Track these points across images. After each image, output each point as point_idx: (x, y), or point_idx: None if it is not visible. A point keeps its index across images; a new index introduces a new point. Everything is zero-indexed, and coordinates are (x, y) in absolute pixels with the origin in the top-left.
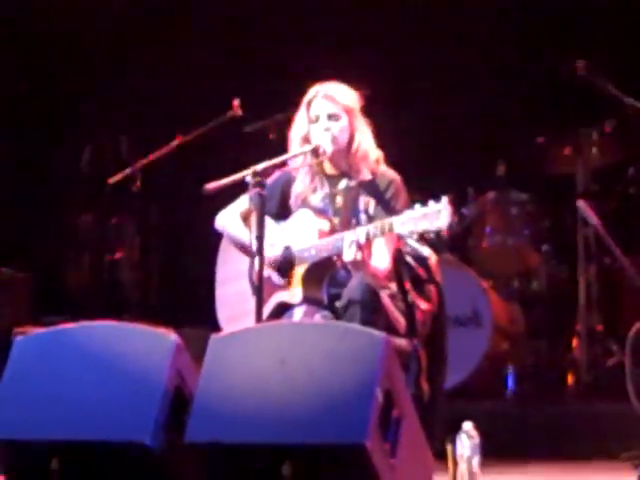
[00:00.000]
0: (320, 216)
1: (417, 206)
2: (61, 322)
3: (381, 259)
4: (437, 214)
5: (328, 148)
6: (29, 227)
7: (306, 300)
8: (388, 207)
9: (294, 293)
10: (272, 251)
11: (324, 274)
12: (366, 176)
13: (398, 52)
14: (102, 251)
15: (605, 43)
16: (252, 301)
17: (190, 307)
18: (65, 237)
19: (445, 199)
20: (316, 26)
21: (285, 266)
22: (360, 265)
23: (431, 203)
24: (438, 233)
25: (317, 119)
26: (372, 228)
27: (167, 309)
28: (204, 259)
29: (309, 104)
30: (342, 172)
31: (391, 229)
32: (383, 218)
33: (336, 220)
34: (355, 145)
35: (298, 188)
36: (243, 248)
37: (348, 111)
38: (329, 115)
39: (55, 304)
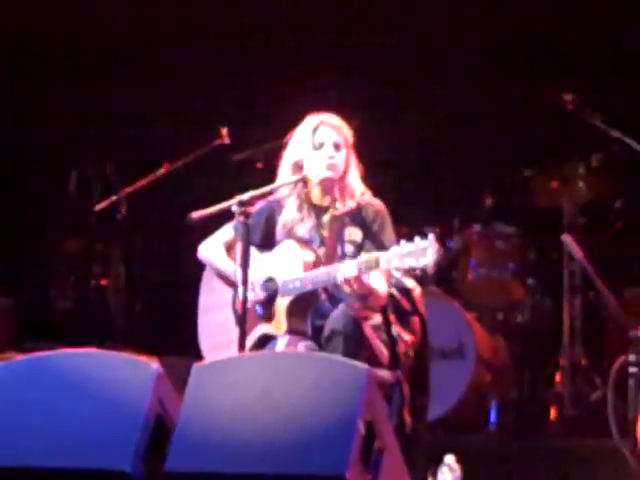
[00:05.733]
0: (305, 247)
1: (403, 242)
2: (43, 348)
3: (379, 284)
4: (423, 252)
5: (323, 173)
6: (14, 252)
7: (290, 332)
8: (375, 240)
9: (278, 325)
10: (255, 282)
11: (308, 306)
12: (351, 205)
13: (388, 82)
14: (87, 277)
15: (592, 76)
16: (235, 331)
17: (174, 335)
18: (50, 263)
19: (432, 236)
20: (307, 56)
21: (268, 298)
22: (361, 294)
23: (417, 240)
24: (424, 270)
25: (321, 146)
26: (360, 263)
27: (151, 337)
28: (189, 287)
29: (315, 130)
30: (329, 202)
31: (377, 265)
32: (371, 251)
33: (322, 251)
34: (348, 179)
35: (286, 217)
36: (226, 279)
37: (347, 145)
38: (335, 143)
39: (39, 330)
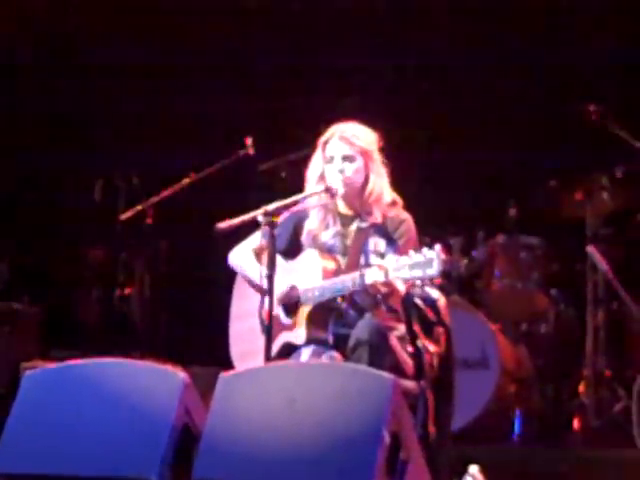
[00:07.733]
0: (325, 256)
1: (411, 253)
2: (70, 357)
3: (398, 284)
4: (429, 262)
5: (340, 189)
6: (39, 261)
7: (310, 341)
8: (395, 247)
9: (298, 334)
10: (279, 290)
11: (329, 315)
12: (377, 218)
13: (413, 97)
14: (112, 286)
15: (616, 87)
16: (262, 339)
17: (199, 345)
18: (75, 272)
19: (438, 247)
20: (331, 68)
21: (290, 306)
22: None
23: (425, 250)
24: (431, 281)
25: (332, 160)
26: (373, 272)
27: (176, 346)
28: (214, 297)
29: (325, 144)
30: (355, 212)
31: (387, 275)
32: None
33: (345, 260)
34: (369, 187)
35: (310, 225)
36: (255, 285)
37: (364, 153)
38: (344, 157)
39: (64, 338)
